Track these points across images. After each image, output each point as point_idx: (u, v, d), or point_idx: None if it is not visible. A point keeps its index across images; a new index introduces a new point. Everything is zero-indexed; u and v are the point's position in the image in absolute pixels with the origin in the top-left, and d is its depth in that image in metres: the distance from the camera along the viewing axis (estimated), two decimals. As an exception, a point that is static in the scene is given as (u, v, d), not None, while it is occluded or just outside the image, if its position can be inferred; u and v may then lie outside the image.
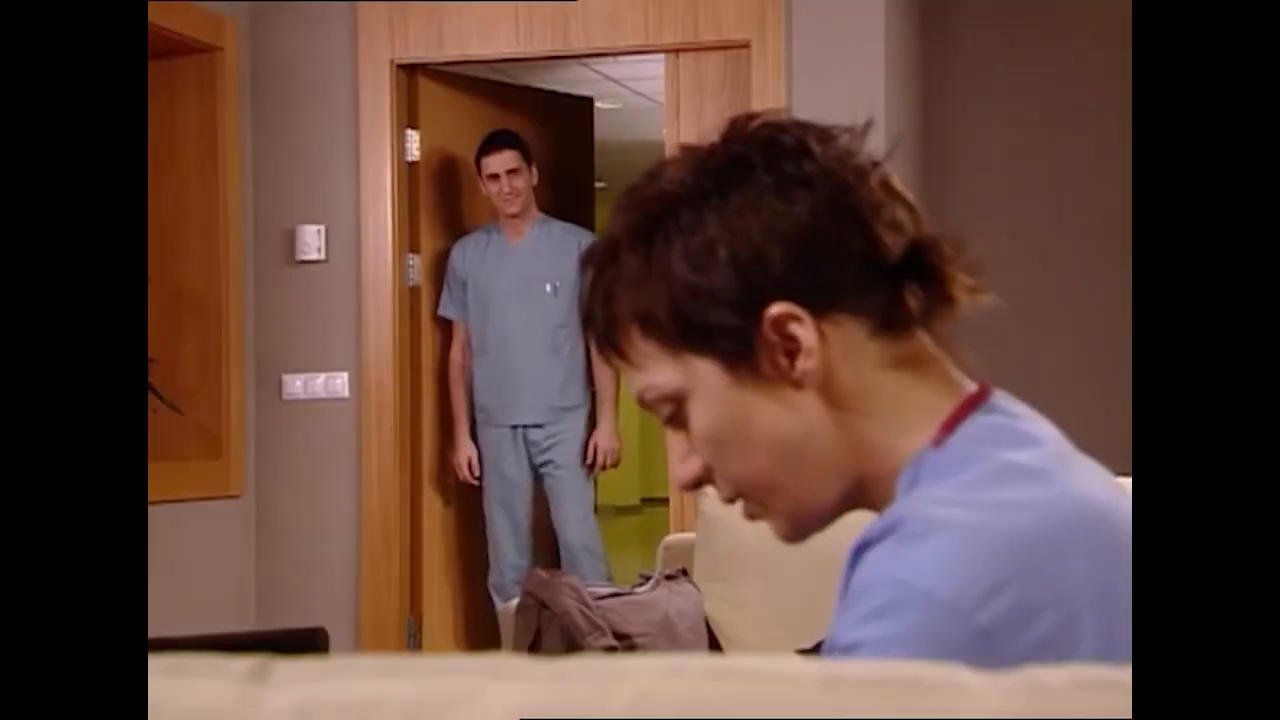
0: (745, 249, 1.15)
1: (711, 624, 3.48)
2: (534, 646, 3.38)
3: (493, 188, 5.32)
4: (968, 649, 1.00)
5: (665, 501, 5.96)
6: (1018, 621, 1.01)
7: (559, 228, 5.42)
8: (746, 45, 4.86)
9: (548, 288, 5.31)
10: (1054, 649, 1.01)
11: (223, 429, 5.09)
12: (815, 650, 2.86)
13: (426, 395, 5.39)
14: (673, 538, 3.93)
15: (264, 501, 5.23)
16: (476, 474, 5.40)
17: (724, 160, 1.18)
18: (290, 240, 5.21)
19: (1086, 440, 1.22)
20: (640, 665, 0.66)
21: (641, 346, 1.19)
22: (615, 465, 5.51)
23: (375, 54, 5.16)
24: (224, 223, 5.08)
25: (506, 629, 3.59)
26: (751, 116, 1.21)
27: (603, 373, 5.34)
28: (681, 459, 1.22)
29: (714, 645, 3.46)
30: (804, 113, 1.30)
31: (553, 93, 6.31)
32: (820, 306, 1.15)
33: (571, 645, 3.32)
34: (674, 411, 1.20)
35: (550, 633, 3.37)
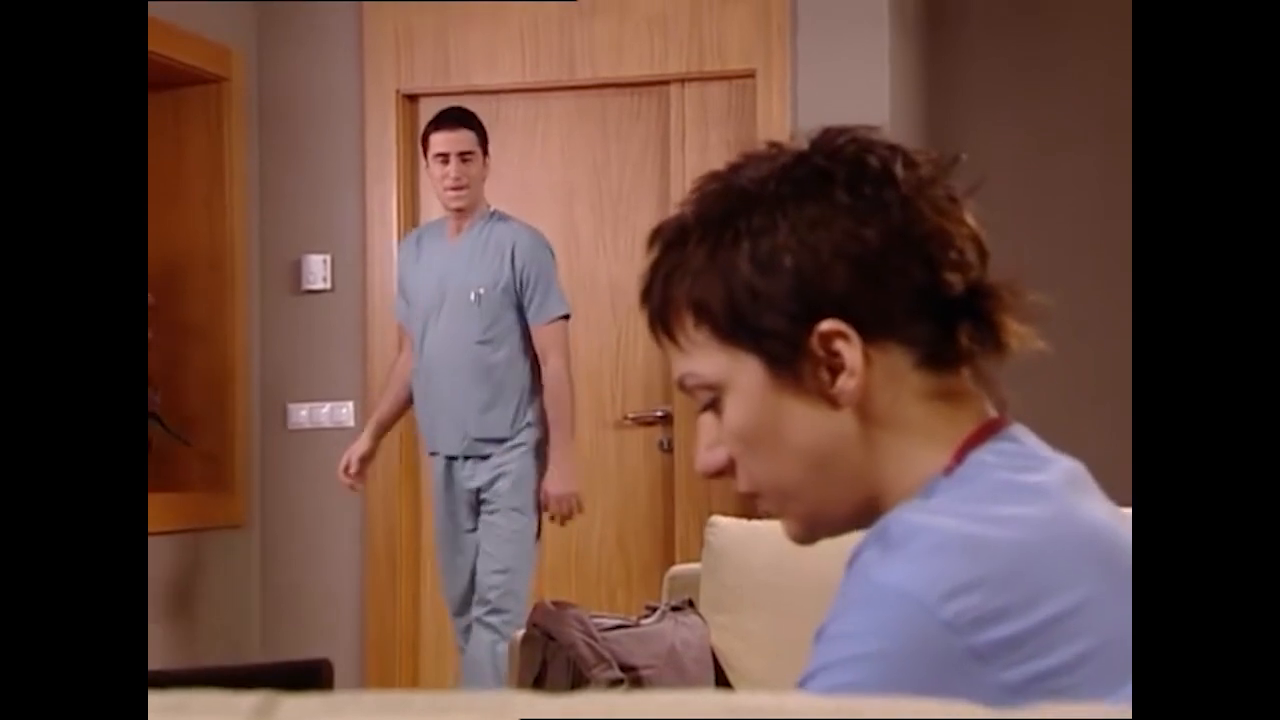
0: (810, 262, 1.17)
1: (718, 655, 3.47)
2: (539, 678, 3.37)
3: (437, 171, 4.47)
4: (931, 639, 1.06)
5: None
6: (981, 621, 1.07)
7: (504, 226, 4.53)
8: (751, 75, 4.87)
9: (471, 295, 4.45)
10: (1021, 650, 1.07)
11: (228, 458, 5.08)
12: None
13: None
14: (678, 568, 3.91)
15: (269, 531, 5.21)
16: (352, 474, 4.57)
17: (807, 171, 1.21)
18: (296, 270, 5.21)
19: (1085, 464, 1.23)
20: (648, 701, 0.65)
21: (692, 333, 1.22)
22: (569, 516, 4.45)
23: (381, 84, 5.16)
24: (230, 252, 5.09)
25: (512, 661, 3.58)
26: (843, 130, 1.24)
27: (555, 398, 4.43)
28: (708, 446, 1.25)
29: (720, 677, 3.44)
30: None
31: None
32: (871, 330, 1.18)
33: (577, 677, 3.30)
34: (712, 399, 1.23)
35: (556, 665, 3.35)
